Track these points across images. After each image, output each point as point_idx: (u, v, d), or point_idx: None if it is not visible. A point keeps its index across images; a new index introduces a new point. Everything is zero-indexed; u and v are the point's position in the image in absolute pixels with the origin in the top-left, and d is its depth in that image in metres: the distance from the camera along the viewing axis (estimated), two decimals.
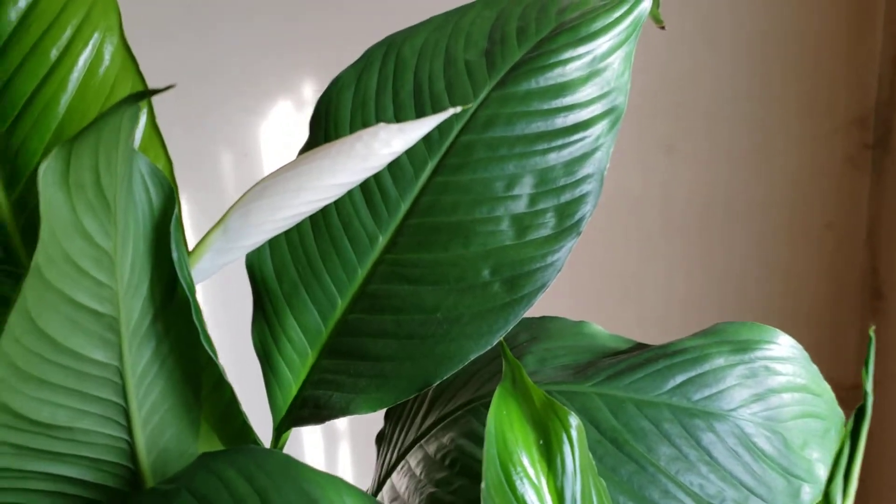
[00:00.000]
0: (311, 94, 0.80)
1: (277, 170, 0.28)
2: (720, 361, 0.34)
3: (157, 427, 0.30)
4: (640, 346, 0.37)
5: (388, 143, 0.27)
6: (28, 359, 0.24)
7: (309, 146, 0.37)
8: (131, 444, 0.29)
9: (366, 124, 0.36)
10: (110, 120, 0.23)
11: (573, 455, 0.27)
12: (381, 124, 0.27)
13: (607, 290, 0.95)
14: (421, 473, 0.35)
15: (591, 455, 0.28)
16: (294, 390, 0.36)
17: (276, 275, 0.36)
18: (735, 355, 0.34)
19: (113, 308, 0.25)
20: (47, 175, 0.23)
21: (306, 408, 0.36)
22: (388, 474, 0.39)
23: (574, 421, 0.28)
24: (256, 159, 0.78)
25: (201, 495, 0.26)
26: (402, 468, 0.37)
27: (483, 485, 0.26)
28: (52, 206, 0.23)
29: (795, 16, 0.94)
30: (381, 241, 0.36)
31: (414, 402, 0.41)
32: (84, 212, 0.24)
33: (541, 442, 0.28)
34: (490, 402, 0.35)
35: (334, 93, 0.37)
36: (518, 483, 0.27)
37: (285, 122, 0.78)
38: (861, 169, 1.02)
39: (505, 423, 0.28)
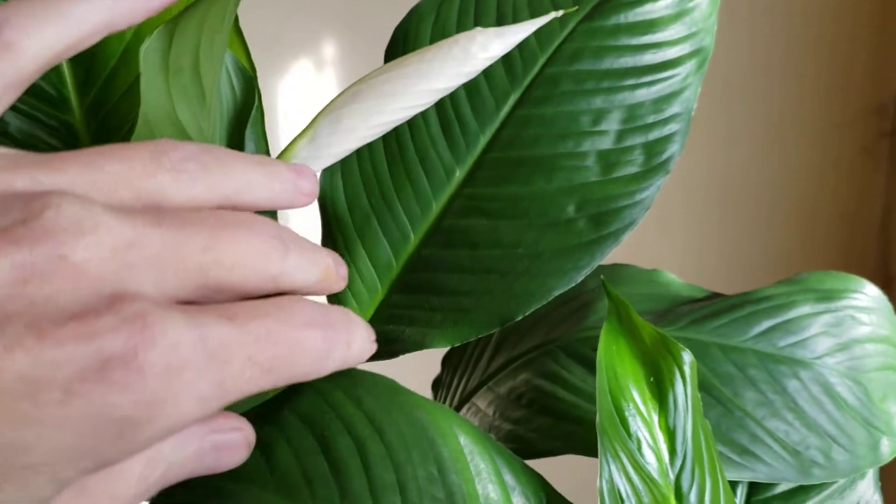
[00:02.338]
0: (331, 53, 0.78)
1: (368, 74, 0.27)
2: (806, 309, 0.33)
3: None
4: (716, 295, 0.36)
5: (486, 46, 0.26)
6: None
7: None
8: None
9: None
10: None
11: (685, 392, 0.27)
12: (478, 28, 0.26)
13: None
14: (494, 413, 0.34)
15: (699, 394, 0.27)
16: None
17: (347, 205, 0.35)
18: (820, 303, 0.34)
19: None
20: (148, 56, 0.21)
21: (378, 343, 0.35)
22: None
23: (687, 357, 0.27)
24: (274, 120, 0.76)
25: (305, 415, 0.24)
26: (467, 410, 0.36)
27: (597, 419, 0.25)
28: (151, 90, 0.22)
29: (815, 3, 0.94)
30: (458, 174, 0.34)
31: (475, 348, 0.40)
32: (179, 99, 0.23)
33: (651, 379, 0.27)
34: (565, 343, 0.34)
35: (413, 23, 0.36)
36: (630, 419, 0.26)
37: (305, 83, 0.77)
38: (877, 159, 1.03)
39: (615, 359, 0.27)
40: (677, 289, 0.37)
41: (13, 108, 0.28)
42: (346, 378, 0.26)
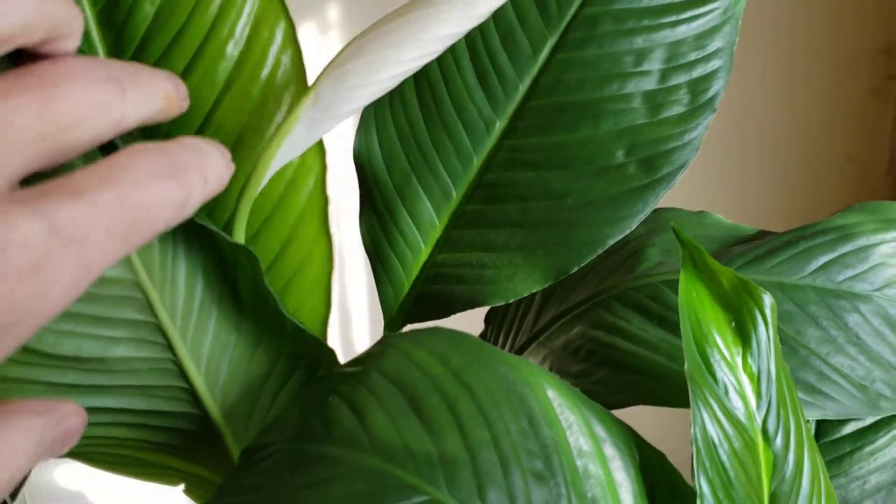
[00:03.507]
0: (335, 17, 0.76)
1: (373, 25, 0.25)
2: (863, 241, 0.33)
3: (195, 337, 0.27)
4: (765, 233, 0.36)
5: None
6: None
7: None
8: (176, 363, 0.27)
9: None
10: None
11: (767, 335, 0.26)
12: None
13: None
14: (551, 368, 0.34)
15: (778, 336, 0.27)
16: (407, 286, 0.34)
17: (385, 165, 0.34)
18: (876, 234, 0.33)
19: None
20: None
21: (422, 303, 0.34)
22: None
23: (768, 299, 0.26)
24: None
25: (393, 376, 0.23)
26: None
27: (686, 368, 0.25)
28: None
29: None
30: (499, 125, 0.33)
31: (520, 303, 0.39)
32: None
33: (733, 323, 0.26)
34: (619, 293, 0.34)
35: None
36: (716, 365, 0.25)
37: (309, 46, 0.75)
38: (885, 100, 1.02)
39: (696, 305, 0.26)
40: (726, 229, 0.36)
41: None
42: (429, 336, 0.25)
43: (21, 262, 0.14)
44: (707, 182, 0.96)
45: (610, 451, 0.24)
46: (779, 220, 0.99)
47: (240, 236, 0.26)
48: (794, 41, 0.92)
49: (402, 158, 0.34)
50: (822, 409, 0.30)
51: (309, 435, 0.22)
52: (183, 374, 0.28)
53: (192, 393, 0.29)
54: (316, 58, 0.82)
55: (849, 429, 0.33)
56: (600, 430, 0.24)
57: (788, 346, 0.31)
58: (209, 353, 0.28)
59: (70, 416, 0.19)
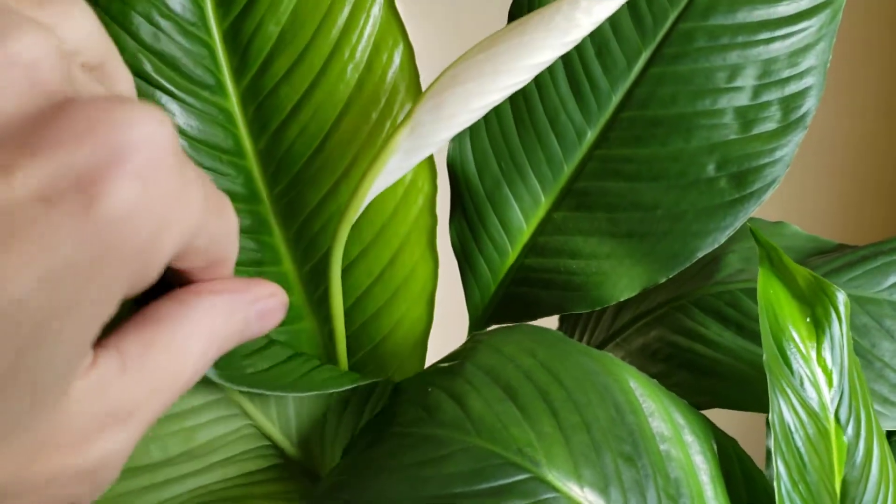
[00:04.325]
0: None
1: (466, 54, 0.25)
2: None
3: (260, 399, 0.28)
4: (843, 246, 0.37)
5: (590, 10, 0.24)
6: None
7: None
8: (253, 425, 0.28)
9: None
10: None
11: (841, 330, 0.28)
12: None
13: None
14: None
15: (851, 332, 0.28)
16: (493, 288, 0.36)
17: (477, 170, 0.35)
18: None
19: None
20: None
21: (509, 306, 0.35)
22: None
23: (842, 296, 0.28)
24: None
25: (487, 368, 0.25)
26: None
27: (764, 359, 0.26)
28: None
29: None
30: (590, 135, 0.34)
31: None
32: None
33: (808, 319, 0.28)
34: (697, 299, 0.35)
35: None
36: (792, 357, 0.27)
37: None
38: None
39: (773, 302, 0.28)
40: (804, 241, 0.37)
41: (169, 93, 0.28)
42: (515, 332, 0.27)
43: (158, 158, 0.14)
44: (784, 190, 0.96)
45: (689, 437, 0.26)
46: (856, 226, 0.99)
47: (337, 260, 0.27)
48: (860, 46, 0.91)
49: (493, 165, 0.35)
50: (895, 420, 0.32)
51: (414, 420, 0.24)
52: (262, 433, 0.30)
53: (273, 447, 0.31)
54: None
55: None
56: (679, 419, 0.26)
57: (864, 358, 0.32)
58: (276, 406, 0.29)
59: (265, 297, 0.19)
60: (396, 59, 0.29)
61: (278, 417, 0.30)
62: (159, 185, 0.14)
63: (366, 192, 0.25)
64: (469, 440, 0.23)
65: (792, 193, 0.96)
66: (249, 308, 0.19)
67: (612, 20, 0.34)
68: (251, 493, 0.31)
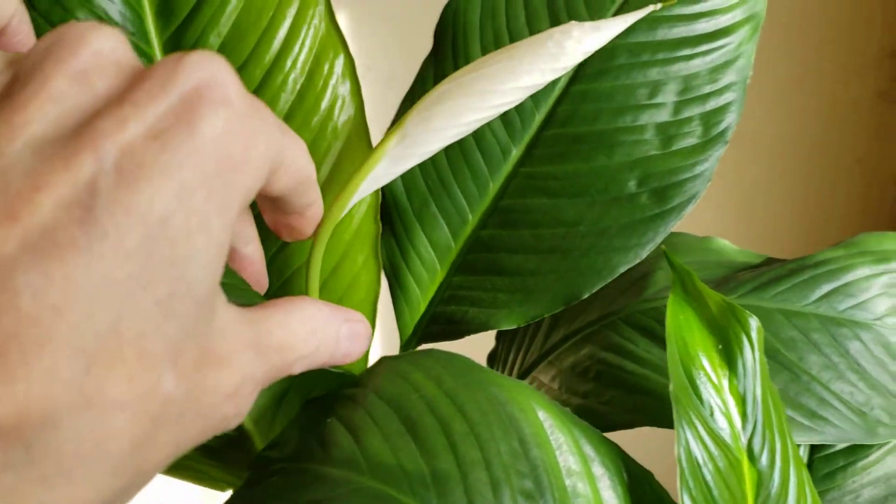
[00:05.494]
0: (342, 27, 0.77)
1: (458, 71, 0.26)
2: (864, 271, 0.34)
3: None
4: (771, 260, 0.37)
5: (581, 40, 0.25)
6: None
7: (434, 55, 0.35)
8: None
9: (496, 32, 0.35)
10: None
11: (753, 357, 0.27)
12: (574, 22, 0.25)
13: None
14: (560, 388, 0.35)
15: (765, 359, 0.28)
16: (423, 307, 0.36)
17: (405, 189, 0.35)
18: (878, 265, 0.34)
19: None
20: None
21: (437, 324, 0.35)
22: None
23: (754, 323, 0.27)
24: None
25: (389, 398, 0.25)
26: (530, 384, 0.37)
27: (671, 389, 0.26)
28: None
29: None
30: (515, 153, 0.34)
31: (531, 322, 0.40)
32: None
33: (720, 346, 0.27)
34: (627, 315, 0.35)
35: (461, 0, 0.35)
36: (702, 387, 0.27)
37: None
38: (892, 102, 1.02)
39: (684, 328, 0.27)
40: (732, 255, 0.37)
41: None
42: (424, 357, 0.27)
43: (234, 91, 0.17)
44: (723, 183, 0.97)
45: (598, 469, 0.25)
46: (790, 222, 1.00)
47: (317, 263, 0.27)
48: (800, 47, 0.93)
49: (421, 183, 0.35)
50: (821, 433, 0.31)
51: (308, 454, 0.24)
52: None
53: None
54: None
55: (842, 444, 0.35)
56: (589, 450, 0.25)
57: (791, 371, 0.32)
58: None
59: (356, 320, 0.21)
60: (337, 69, 0.30)
61: None
62: (239, 108, 0.16)
63: (351, 194, 0.26)
64: (362, 480, 0.23)
65: (723, 207, 0.96)
66: (342, 326, 0.21)
67: None
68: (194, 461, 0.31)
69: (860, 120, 1.01)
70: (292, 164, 0.19)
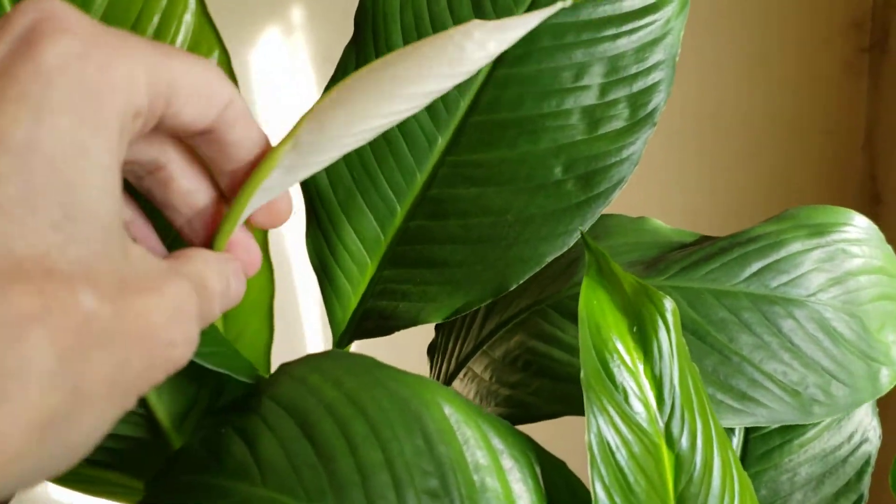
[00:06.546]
0: (298, 19, 0.76)
1: (353, 74, 0.24)
2: (797, 246, 0.33)
3: None
4: (705, 238, 0.36)
5: (484, 43, 0.23)
6: None
7: (355, 42, 0.34)
8: None
9: (416, 15, 0.34)
10: None
11: (669, 339, 0.27)
12: (476, 22, 0.23)
13: None
14: (491, 378, 0.34)
15: (684, 339, 0.27)
16: (354, 302, 0.35)
17: (330, 182, 0.34)
18: (811, 239, 0.34)
19: None
20: None
21: (370, 320, 0.34)
22: (448, 383, 0.38)
23: (669, 304, 0.27)
24: (246, 89, 0.74)
25: (285, 403, 0.24)
26: (464, 375, 0.37)
27: (582, 375, 0.25)
28: None
29: None
30: (441, 142, 0.34)
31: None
32: None
33: (634, 329, 0.27)
34: (556, 302, 0.34)
35: None
36: (616, 371, 0.26)
37: (274, 50, 0.75)
38: (858, 74, 1.02)
39: (597, 312, 0.27)
40: (666, 235, 0.37)
41: None
42: (323, 359, 0.26)
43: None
44: (691, 157, 0.96)
45: (508, 462, 0.24)
46: (759, 195, 1.00)
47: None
48: (765, 19, 0.92)
49: (346, 175, 0.34)
50: (753, 415, 0.31)
51: (202, 466, 0.23)
52: (141, 400, 0.29)
53: (147, 417, 0.30)
54: (282, 60, 0.81)
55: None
56: (498, 443, 0.25)
57: (720, 353, 0.32)
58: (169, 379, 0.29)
59: (232, 259, 0.23)
60: None
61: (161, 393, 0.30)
62: (82, 33, 0.17)
63: (243, 206, 0.24)
64: (254, 490, 0.22)
65: (692, 181, 0.96)
66: (227, 265, 0.22)
67: (457, 22, 0.33)
68: (111, 478, 0.30)
69: (826, 91, 1.00)
70: (194, 86, 0.19)
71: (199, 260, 0.20)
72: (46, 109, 0.16)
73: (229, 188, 0.24)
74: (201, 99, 0.20)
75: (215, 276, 0.21)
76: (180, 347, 0.18)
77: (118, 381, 0.16)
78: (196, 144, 0.22)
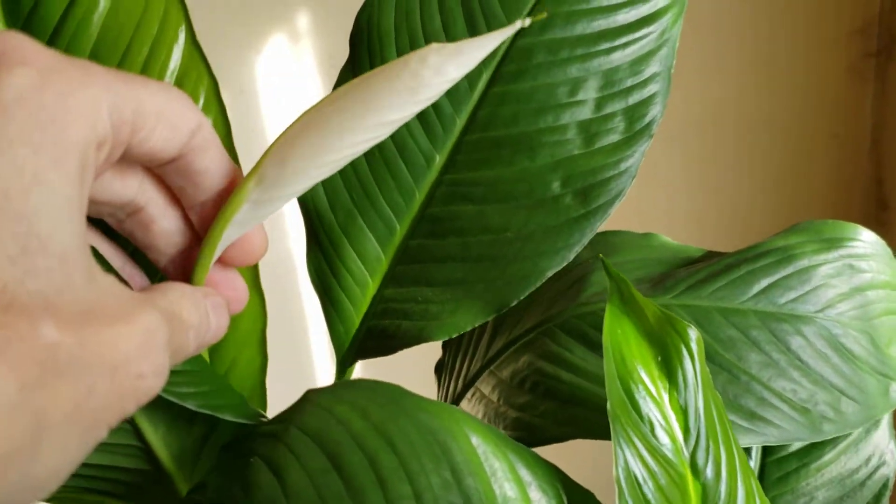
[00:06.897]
0: (305, 25, 0.76)
1: (315, 105, 0.24)
2: (804, 262, 0.33)
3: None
4: (712, 254, 0.36)
5: (441, 69, 0.22)
6: None
7: (351, 62, 0.34)
8: (132, 423, 0.27)
9: (411, 35, 0.33)
10: None
11: (694, 369, 0.26)
12: (433, 46, 0.22)
13: None
14: (499, 399, 0.34)
15: (707, 369, 0.27)
16: (356, 322, 0.35)
17: (329, 204, 0.34)
18: (818, 255, 0.33)
19: None
20: None
21: (372, 339, 0.34)
22: (456, 403, 0.37)
23: (693, 334, 0.26)
24: (253, 95, 0.74)
25: (313, 433, 0.24)
26: (472, 396, 0.36)
27: (608, 406, 0.25)
28: None
29: None
30: (438, 160, 0.33)
31: (474, 329, 0.39)
32: None
33: (659, 358, 0.26)
34: (563, 321, 0.34)
35: (375, 3, 0.34)
36: (641, 402, 0.26)
37: (280, 56, 0.75)
38: (864, 78, 1.01)
39: (621, 341, 0.26)
40: (672, 251, 0.36)
41: None
42: (350, 389, 0.26)
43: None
44: (698, 162, 0.96)
45: (536, 494, 0.24)
46: (765, 199, 0.99)
47: None
48: (772, 24, 0.92)
49: (345, 196, 0.34)
50: (763, 435, 0.30)
51: (230, 498, 0.23)
52: (137, 434, 0.28)
53: (146, 451, 0.30)
54: (287, 68, 0.81)
55: (795, 446, 0.34)
56: (525, 474, 0.24)
57: (729, 372, 0.31)
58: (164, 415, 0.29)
59: (213, 294, 0.23)
60: (201, 94, 0.29)
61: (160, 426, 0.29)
62: (41, 65, 0.17)
63: (216, 241, 0.23)
64: None
65: (699, 189, 0.95)
66: (205, 300, 0.22)
67: (451, 40, 0.33)
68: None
69: (833, 96, 1.00)
70: (160, 112, 0.19)
71: (173, 292, 0.20)
72: (4, 142, 0.16)
73: (199, 223, 0.24)
74: (168, 125, 0.20)
75: (190, 308, 0.20)
76: (149, 378, 0.17)
77: (84, 410, 0.16)
78: (166, 174, 0.22)
